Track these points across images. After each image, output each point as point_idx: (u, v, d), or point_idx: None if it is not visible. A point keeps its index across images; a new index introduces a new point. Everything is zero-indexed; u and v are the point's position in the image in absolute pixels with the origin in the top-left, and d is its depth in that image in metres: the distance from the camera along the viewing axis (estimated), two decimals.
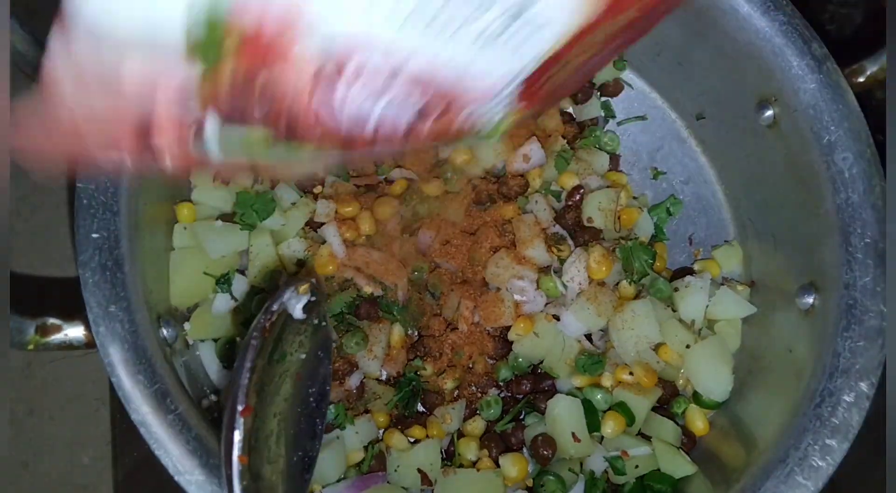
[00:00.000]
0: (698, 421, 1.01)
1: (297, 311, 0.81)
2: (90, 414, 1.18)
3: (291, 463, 0.79)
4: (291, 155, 0.64)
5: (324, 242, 0.99)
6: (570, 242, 1.03)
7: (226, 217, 0.99)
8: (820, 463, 0.84)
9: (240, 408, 0.75)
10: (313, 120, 0.60)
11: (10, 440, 1.16)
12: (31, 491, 1.16)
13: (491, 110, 0.66)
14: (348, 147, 0.63)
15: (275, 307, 0.80)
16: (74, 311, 0.84)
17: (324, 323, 0.83)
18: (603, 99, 1.15)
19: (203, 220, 0.99)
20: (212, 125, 0.59)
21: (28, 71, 0.87)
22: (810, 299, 0.93)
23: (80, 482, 1.17)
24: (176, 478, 0.78)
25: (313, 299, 0.82)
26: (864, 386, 0.85)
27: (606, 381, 1.00)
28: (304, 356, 0.81)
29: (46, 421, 1.18)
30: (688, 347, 1.00)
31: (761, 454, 0.90)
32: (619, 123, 1.16)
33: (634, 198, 1.11)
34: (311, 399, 0.82)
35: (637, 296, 1.02)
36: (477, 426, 0.99)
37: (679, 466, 0.97)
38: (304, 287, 0.81)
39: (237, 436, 0.74)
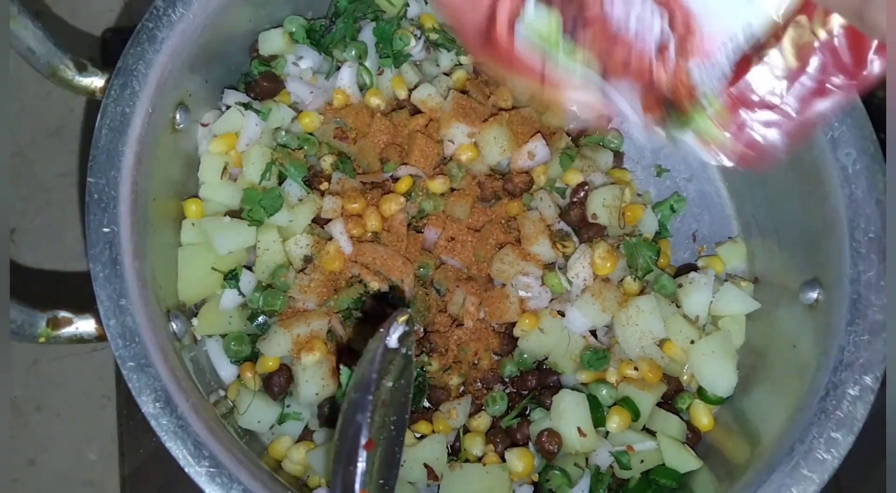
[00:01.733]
0: (703, 416, 1.02)
1: (393, 340, 0.82)
2: (97, 410, 1.18)
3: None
4: (569, 61, 0.70)
5: (330, 238, 1.00)
6: (575, 238, 1.04)
7: (233, 213, 1.00)
8: (825, 456, 0.84)
9: (363, 441, 0.75)
10: (593, 12, 0.67)
11: (17, 436, 1.17)
12: (37, 487, 1.16)
13: (710, 77, 0.69)
14: (608, 56, 0.69)
15: (389, 341, 0.81)
16: (85, 304, 0.84)
17: (410, 352, 0.84)
18: None
19: (211, 216, 1.00)
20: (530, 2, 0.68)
21: (39, 68, 0.87)
22: (814, 294, 0.94)
23: (86, 478, 1.17)
24: (186, 470, 0.79)
25: (407, 329, 0.83)
26: (868, 380, 0.86)
27: (611, 376, 1.01)
28: (390, 385, 0.81)
29: (53, 417, 1.18)
30: (692, 342, 1.00)
31: (766, 448, 0.90)
32: (622, 121, 1.16)
33: (638, 195, 1.12)
34: (392, 427, 0.82)
35: (641, 292, 1.03)
36: (482, 421, 1.00)
37: (684, 461, 0.97)
38: (403, 318, 0.82)
39: (360, 469, 0.75)
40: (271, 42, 1.05)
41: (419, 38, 1.08)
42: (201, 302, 0.99)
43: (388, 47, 1.07)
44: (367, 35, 1.08)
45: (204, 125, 1.02)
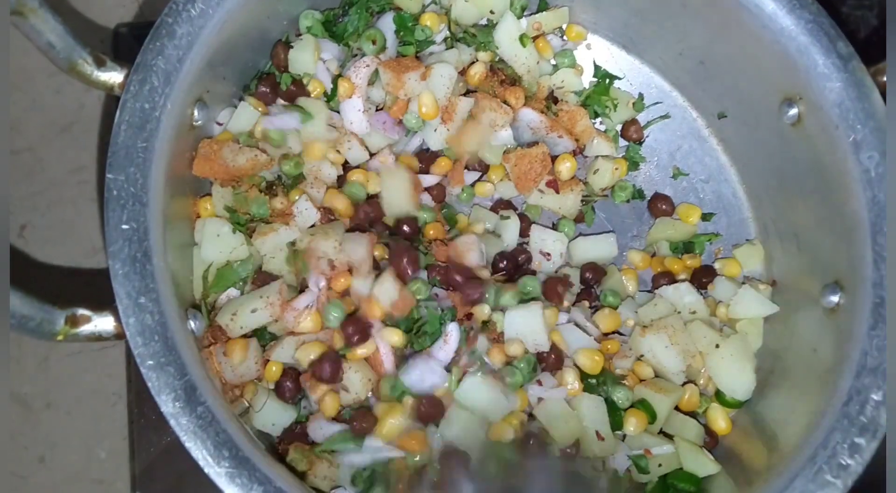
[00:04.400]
0: (720, 420, 1.01)
1: None
2: (107, 408, 1.17)
3: None
4: None
5: None
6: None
7: None
8: (849, 462, 0.83)
9: None
10: None
11: (27, 433, 1.16)
12: (47, 486, 1.15)
13: None
14: None
15: None
16: (98, 301, 0.83)
17: None
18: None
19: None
20: None
21: (58, 62, 0.86)
22: (835, 298, 0.93)
23: (96, 476, 1.16)
24: (206, 470, 0.78)
25: None
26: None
27: (629, 378, 1.01)
28: None
29: (63, 415, 1.17)
30: (717, 346, 0.99)
31: (786, 453, 0.89)
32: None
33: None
34: None
35: None
36: None
37: (702, 465, 0.96)
38: None
39: None
40: (302, 62, 1.04)
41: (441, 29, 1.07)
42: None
43: (409, 35, 1.06)
44: (386, 23, 1.07)
45: (219, 124, 1.01)
